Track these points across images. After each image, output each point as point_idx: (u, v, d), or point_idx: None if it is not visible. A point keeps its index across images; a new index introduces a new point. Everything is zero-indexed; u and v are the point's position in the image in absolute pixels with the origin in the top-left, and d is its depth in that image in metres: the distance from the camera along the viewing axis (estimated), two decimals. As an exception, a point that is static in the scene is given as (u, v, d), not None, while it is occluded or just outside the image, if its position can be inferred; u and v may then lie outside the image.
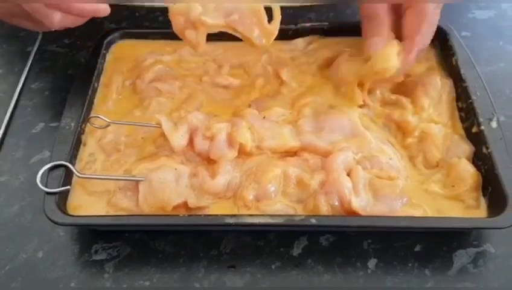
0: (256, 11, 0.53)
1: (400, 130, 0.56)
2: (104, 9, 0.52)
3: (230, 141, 0.53)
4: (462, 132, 0.56)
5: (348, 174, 0.50)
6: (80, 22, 0.53)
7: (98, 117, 0.56)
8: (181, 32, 0.55)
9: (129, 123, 0.57)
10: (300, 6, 0.71)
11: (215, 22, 0.53)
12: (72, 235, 0.52)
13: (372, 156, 0.53)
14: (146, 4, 0.57)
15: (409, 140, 0.55)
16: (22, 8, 0.50)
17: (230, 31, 0.55)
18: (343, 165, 0.51)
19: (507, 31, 0.71)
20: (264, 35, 0.54)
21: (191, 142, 0.54)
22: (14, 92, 0.65)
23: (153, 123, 0.55)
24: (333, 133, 0.54)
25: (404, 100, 0.58)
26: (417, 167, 0.54)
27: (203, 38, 0.55)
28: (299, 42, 0.66)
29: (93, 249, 0.51)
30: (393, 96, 0.59)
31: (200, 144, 0.53)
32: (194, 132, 0.54)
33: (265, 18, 0.54)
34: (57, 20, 0.51)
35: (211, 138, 0.53)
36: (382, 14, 0.55)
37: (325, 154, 0.52)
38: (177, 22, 0.54)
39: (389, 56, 0.54)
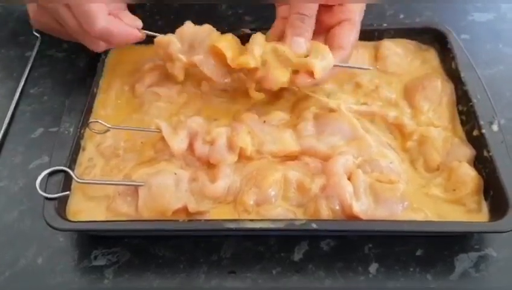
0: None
1: (400, 133, 0.56)
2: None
3: (231, 146, 0.53)
4: (463, 135, 0.56)
5: (349, 178, 0.50)
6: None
7: (98, 122, 0.55)
8: (164, 62, 0.59)
9: (129, 128, 0.57)
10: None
11: (187, 60, 0.56)
12: (72, 240, 0.52)
13: (372, 159, 0.53)
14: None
15: (409, 143, 0.55)
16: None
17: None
18: (343, 169, 0.51)
19: (506, 33, 0.71)
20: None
21: (190, 146, 0.54)
22: (13, 97, 0.65)
23: (153, 128, 0.55)
24: (333, 136, 0.54)
25: (402, 103, 0.58)
26: (418, 171, 0.53)
27: (179, 72, 0.58)
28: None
29: (93, 255, 0.50)
30: (393, 96, 0.59)
31: (200, 148, 0.53)
32: (194, 137, 0.54)
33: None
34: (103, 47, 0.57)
35: (211, 142, 0.53)
36: (313, 16, 0.54)
37: (326, 158, 0.52)
38: (159, 54, 0.58)
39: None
